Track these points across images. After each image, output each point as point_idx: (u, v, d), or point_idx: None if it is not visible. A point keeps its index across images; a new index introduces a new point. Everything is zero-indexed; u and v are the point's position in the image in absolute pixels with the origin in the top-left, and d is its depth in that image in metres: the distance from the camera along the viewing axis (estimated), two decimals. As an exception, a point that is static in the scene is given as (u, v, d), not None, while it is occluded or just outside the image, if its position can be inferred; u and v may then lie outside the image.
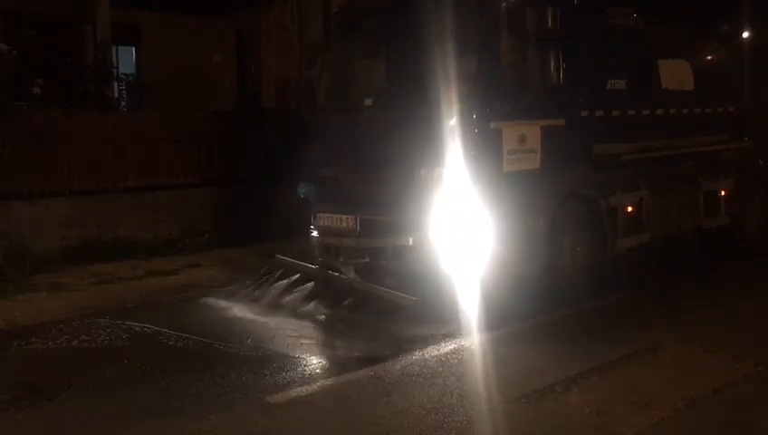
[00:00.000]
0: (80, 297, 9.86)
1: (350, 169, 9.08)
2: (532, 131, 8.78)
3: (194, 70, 16.83)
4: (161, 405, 6.15)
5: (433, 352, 7.32)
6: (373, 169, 8.86)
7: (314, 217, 9.26)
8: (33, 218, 11.57)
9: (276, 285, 9.39)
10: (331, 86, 9.87)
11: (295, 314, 8.69)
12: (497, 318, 7.92)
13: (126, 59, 15.10)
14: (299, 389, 6.49)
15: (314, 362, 7.37)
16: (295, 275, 9.35)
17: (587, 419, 5.70)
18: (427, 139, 8.39)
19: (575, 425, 5.63)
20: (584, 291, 9.02)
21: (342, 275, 8.86)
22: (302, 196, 9.58)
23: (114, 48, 14.38)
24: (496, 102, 8.48)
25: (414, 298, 8.20)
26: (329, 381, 6.74)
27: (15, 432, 5.87)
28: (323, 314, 8.55)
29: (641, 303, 9.17)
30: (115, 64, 13.89)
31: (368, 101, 9.25)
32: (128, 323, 8.59)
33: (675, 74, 10.85)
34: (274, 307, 8.96)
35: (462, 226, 8.22)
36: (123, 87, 14.06)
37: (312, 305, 8.74)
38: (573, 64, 8.90)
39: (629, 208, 9.83)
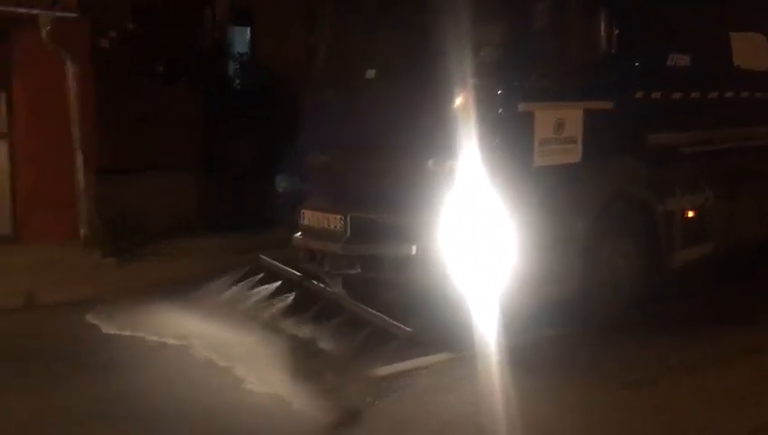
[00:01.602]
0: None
1: (344, 157, 7.35)
2: (573, 116, 7.01)
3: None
4: None
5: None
6: (370, 156, 7.13)
7: (299, 215, 7.51)
8: (149, 192, 11.17)
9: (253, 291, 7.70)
10: (329, 56, 8.15)
11: (267, 330, 7.00)
12: (520, 358, 6.12)
13: (240, 39, 14.88)
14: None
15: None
16: (277, 282, 7.66)
17: None
18: (438, 122, 6.65)
19: None
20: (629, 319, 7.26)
21: (328, 289, 7.15)
22: (281, 190, 7.88)
23: (231, 29, 14.49)
24: (527, 78, 6.73)
25: (409, 329, 6.46)
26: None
27: None
28: (298, 336, 6.85)
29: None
30: (231, 44, 14.15)
31: (369, 74, 7.48)
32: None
33: (749, 50, 8.91)
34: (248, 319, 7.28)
35: (478, 233, 6.48)
36: (238, 66, 14.02)
37: (287, 323, 7.04)
38: (627, 33, 7.14)
39: (690, 213, 8.00)
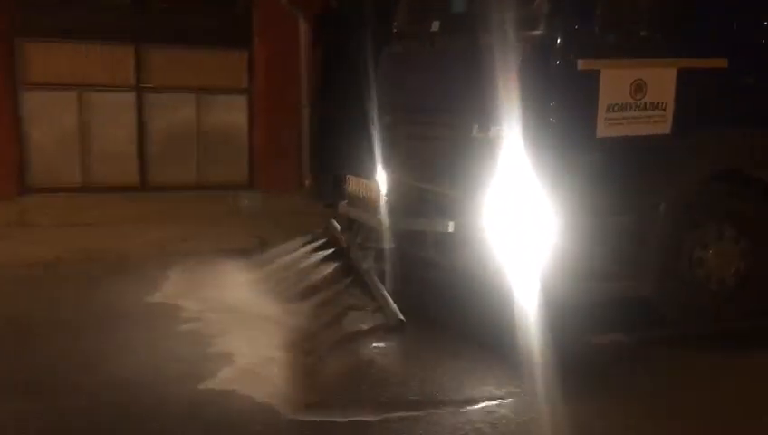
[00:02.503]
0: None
1: (397, 119, 6.53)
2: (660, 77, 5.71)
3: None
4: None
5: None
6: (419, 120, 6.27)
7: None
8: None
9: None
10: (411, 5, 7.30)
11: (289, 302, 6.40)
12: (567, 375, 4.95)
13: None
14: None
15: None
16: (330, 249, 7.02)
17: None
18: (486, 82, 5.66)
19: None
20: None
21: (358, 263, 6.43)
22: None
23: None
24: (590, 28, 5.52)
25: (401, 318, 5.56)
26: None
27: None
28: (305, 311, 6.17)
29: None
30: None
31: (434, 26, 6.57)
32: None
33: None
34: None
35: (523, 215, 5.46)
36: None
37: (314, 297, 6.42)
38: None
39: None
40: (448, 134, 5.96)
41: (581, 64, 5.47)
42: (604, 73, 5.52)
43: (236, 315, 6.07)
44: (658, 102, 5.69)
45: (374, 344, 5.48)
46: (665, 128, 5.74)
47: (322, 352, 5.31)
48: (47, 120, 11.45)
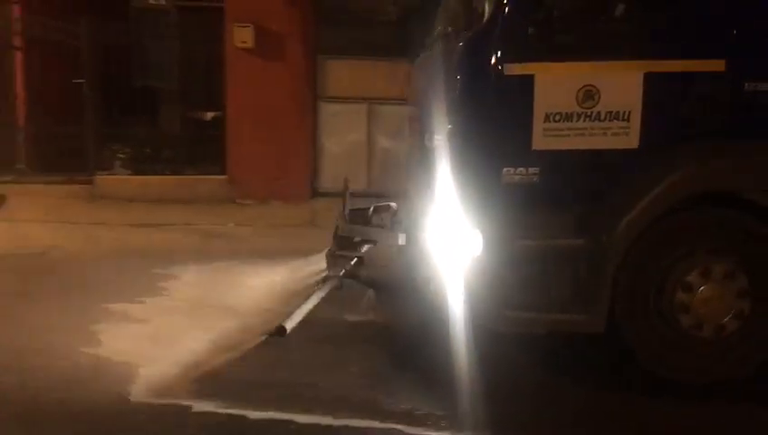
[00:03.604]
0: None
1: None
2: (618, 82, 5.03)
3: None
4: None
5: None
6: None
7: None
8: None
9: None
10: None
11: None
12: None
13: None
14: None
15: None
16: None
17: None
18: (433, 89, 5.53)
19: None
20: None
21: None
22: None
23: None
24: (519, 29, 5.03)
25: (283, 326, 5.43)
26: None
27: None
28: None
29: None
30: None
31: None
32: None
33: None
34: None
35: (454, 233, 5.21)
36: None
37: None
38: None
39: None
40: (409, 142, 5.81)
41: (510, 69, 5.01)
42: (539, 79, 5.00)
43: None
44: (618, 112, 4.98)
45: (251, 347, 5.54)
46: (629, 141, 5.01)
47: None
48: (339, 130, 12.73)
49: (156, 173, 12.41)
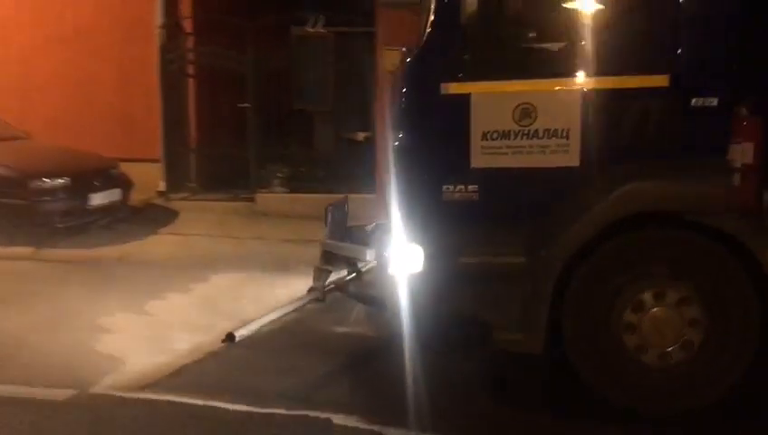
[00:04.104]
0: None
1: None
2: (555, 100, 4.94)
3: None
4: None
5: None
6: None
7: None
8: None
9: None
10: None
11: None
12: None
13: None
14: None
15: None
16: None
17: None
18: (391, 108, 5.68)
19: None
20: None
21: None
22: None
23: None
24: (454, 48, 5.06)
25: (232, 334, 5.63)
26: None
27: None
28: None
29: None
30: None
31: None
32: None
33: None
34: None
35: (401, 249, 5.30)
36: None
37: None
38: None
39: None
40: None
41: (447, 88, 5.05)
42: (476, 98, 4.99)
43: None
44: (557, 130, 4.87)
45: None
46: (570, 159, 4.87)
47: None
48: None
49: (310, 191, 13.01)
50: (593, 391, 4.91)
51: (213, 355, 5.99)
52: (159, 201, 12.83)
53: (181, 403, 5.11)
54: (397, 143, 5.15)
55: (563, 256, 4.74)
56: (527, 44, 5.06)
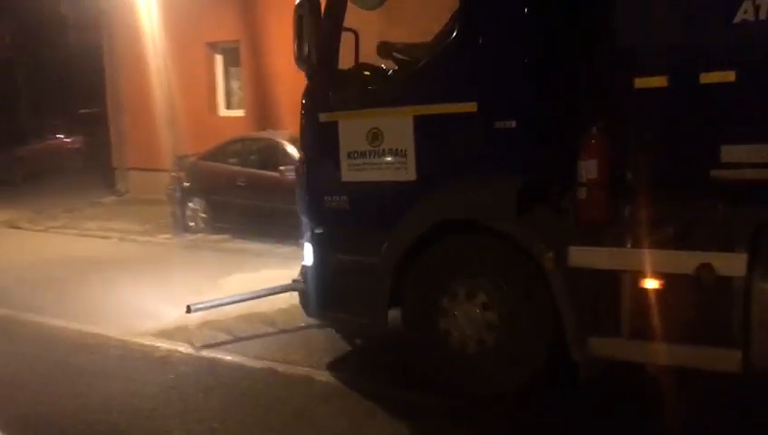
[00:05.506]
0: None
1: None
2: (394, 125, 5.87)
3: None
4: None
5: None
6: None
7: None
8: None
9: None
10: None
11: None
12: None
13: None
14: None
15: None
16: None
17: None
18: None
19: None
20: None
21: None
22: None
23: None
24: (328, 84, 6.13)
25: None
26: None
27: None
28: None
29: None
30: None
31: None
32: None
33: None
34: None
35: (306, 247, 6.50)
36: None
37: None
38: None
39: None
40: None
41: (322, 117, 6.14)
42: (342, 124, 6.04)
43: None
44: (398, 149, 5.81)
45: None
46: (408, 175, 5.79)
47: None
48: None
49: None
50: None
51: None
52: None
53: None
54: (300, 159, 6.29)
55: (395, 256, 5.66)
56: (372, 79, 5.95)
